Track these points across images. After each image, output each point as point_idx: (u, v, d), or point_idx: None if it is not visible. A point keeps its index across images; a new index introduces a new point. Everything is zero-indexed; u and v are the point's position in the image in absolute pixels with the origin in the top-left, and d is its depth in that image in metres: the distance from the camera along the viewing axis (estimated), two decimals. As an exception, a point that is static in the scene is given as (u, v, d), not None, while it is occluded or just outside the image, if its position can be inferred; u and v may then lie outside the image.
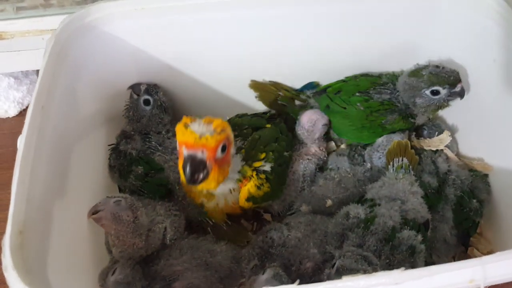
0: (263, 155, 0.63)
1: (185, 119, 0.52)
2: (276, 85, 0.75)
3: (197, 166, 0.51)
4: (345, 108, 0.72)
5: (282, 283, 0.50)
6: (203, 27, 0.68)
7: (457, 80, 0.67)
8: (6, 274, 0.38)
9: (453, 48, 0.71)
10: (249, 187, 0.60)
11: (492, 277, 0.38)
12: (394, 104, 0.71)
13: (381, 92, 0.71)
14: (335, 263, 0.50)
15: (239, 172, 0.61)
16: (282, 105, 0.75)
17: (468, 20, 0.67)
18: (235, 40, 0.70)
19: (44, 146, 0.51)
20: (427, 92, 0.68)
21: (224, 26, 0.68)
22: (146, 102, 0.71)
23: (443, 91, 0.68)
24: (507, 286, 0.45)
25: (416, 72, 0.69)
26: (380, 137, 0.70)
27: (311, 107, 0.74)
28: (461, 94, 0.68)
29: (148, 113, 0.71)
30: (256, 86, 0.75)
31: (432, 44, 0.72)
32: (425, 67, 0.69)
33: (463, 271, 0.38)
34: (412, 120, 0.71)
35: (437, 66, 0.68)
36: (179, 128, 0.52)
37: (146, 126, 0.71)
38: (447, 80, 0.67)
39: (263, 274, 0.52)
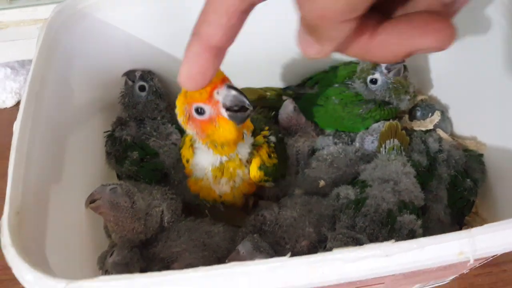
0: (267, 128, 0.63)
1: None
2: (262, 88, 0.78)
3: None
4: (322, 105, 0.73)
5: (258, 246, 0.50)
6: (196, 12, 0.67)
7: None
8: (4, 252, 0.38)
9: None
10: (261, 154, 0.60)
11: (481, 249, 0.38)
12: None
13: (355, 81, 0.71)
14: (326, 246, 0.50)
15: (252, 144, 0.60)
16: (271, 101, 0.77)
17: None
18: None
19: (39, 132, 0.51)
20: (369, 84, 0.69)
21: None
22: (141, 88, 0.71)
23: (376, 75, 0.68)
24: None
25: (350, 76, 0.70)
26: (364, 126, 0.71)
27: None
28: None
29: (144, 99, 0.71)
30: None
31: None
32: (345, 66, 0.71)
33: (452, 243, 0.38)
34: (391, 107, 0.71)
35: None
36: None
37: (142, 112, 0.71)
38: (367, 66, 0.67)
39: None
